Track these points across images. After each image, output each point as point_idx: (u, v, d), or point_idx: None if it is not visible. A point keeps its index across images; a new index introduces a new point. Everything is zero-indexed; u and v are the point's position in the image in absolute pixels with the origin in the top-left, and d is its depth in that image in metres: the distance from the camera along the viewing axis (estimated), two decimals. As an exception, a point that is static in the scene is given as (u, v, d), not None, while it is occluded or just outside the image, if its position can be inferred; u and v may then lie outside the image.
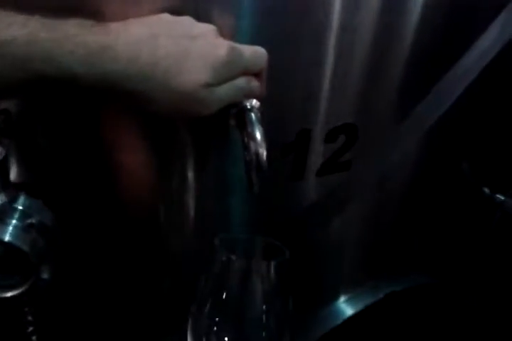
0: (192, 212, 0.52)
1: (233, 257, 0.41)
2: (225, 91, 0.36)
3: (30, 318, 0.51)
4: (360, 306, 0.69)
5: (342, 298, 0.71)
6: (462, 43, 0.56)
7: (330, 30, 0.45)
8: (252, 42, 0.39)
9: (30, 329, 0.52)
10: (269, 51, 0.39)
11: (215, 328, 0.42)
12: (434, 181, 0.69)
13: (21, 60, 0.31)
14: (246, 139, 0.40)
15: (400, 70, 0.54)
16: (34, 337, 0.53)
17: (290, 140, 0.50)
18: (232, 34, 0.39)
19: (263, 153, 0.39)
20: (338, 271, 0.70)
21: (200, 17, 0.37)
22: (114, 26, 0.34)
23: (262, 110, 0.41)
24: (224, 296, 0.41)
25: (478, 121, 0.67)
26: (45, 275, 0.44)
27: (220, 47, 0.35)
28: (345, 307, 0.70)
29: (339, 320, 0.70)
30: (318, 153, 0.53)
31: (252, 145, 0.39)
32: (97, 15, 0.35)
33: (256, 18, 0.41)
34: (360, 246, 0.69)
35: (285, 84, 0.47)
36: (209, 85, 0.35)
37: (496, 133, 0.70)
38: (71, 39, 0.32)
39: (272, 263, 0.42)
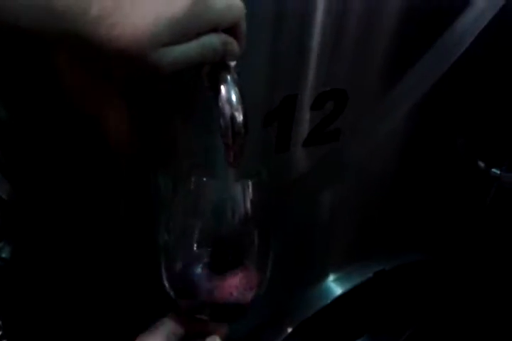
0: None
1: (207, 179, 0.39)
2: (185, 50, 0.31)
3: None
4: (349, 285, 0.66)
5: (331, 277, 0.69)
6: (454, 10, 0.52)
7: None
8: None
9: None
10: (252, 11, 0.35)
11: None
12: (428, 155, 0.66)
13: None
14: (220, 102, 0.35)
15: (390, 37, 0.50)
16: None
17: (274, 106, 0.46)
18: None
19: (239, 116, 0.35)
20: (326, 249, 0.67)
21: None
22: None
23: (240, 71, 0.36)
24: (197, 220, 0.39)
25: (473, 94, 0.63)
26: (3, 254, 0.40)
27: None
28: (335, 287, 0.68)
29: (329, 299, 0.67)
30: (304, 122, 0.49)
31: (226, 108, 0.35)
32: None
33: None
34: (349, 223, 0.66)
35: (269, 43, 0.43)
36: (162, 44, 0.30)
37: (492, 107, 0.67)
38: None
39: (248, 183, 0.39)
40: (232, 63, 0.36)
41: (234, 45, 0.35)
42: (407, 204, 0.70)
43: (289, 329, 0.66)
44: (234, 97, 0.35)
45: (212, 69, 0.35)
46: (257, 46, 0.41)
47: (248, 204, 0.40)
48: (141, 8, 0.29)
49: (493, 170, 0.72)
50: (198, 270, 0.42)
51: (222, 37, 0.34)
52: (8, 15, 0.27)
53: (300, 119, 0.48)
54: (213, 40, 0.33)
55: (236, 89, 0.35)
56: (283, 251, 0.42)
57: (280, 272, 0.44)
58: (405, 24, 0.49)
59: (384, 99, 0.54)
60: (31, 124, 0.44)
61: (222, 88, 0.35)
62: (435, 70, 0.55)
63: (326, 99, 0.48)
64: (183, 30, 0.31)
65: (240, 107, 0.35)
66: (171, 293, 0.43)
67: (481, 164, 0.73)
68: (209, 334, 0.44)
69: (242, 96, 0.35)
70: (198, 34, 0.32)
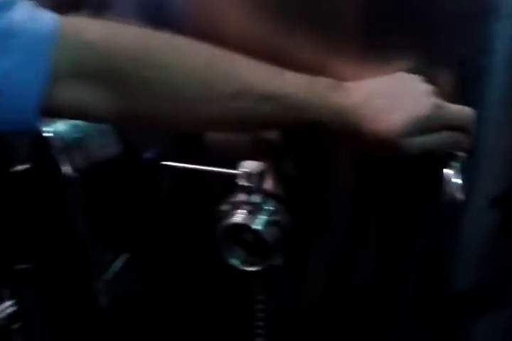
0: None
1: None
2: (425, 141, 0.46)
3: (259, 298, 0.67)
4: None
5: None
6: None
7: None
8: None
9: (259, 307, 0.68)
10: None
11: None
12: None
13: (290, 107, 0.46)
14: (444, 184, 0.48)
15: None
16: (260, 315, 0.68)
17: (500, 193, 0.55)
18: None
19: (461, 196, 0.47)
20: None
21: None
22: (351, 87, 0.48)
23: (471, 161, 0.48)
24: None
25: None
26: (276, 262, 0.59)
27: (426, 105, 0.45)
28: None
29: None
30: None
31: (449, 188, 0.47)
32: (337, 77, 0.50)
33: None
34: None
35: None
36: (404, 134, 0.45)
37: None
38: (322, 98, 0.47)
39: None
40: (461, 154, 0.48)
41: (463, 142, 0.47)
42: None
43: None
44: (457, 181, 0.47)
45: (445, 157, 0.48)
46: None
47: None
48: (396, 111, 0.45)
49: None
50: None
51: (454, 135, 0.47)
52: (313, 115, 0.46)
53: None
54: (447, 136, 0.47)
55: (459, 175, 0.47)
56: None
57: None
58: None
59: None
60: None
61: (449, 172, 0.47)
62: None
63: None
64: (425, 127, 0.46)
65: (459, 190, 0.47)
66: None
67: None
68: None
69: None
70: (436, 130, 0.46)
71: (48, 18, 0.41)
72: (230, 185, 0.59)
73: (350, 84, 0.49)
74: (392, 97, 0.47)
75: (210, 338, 0.76)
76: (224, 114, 0.47)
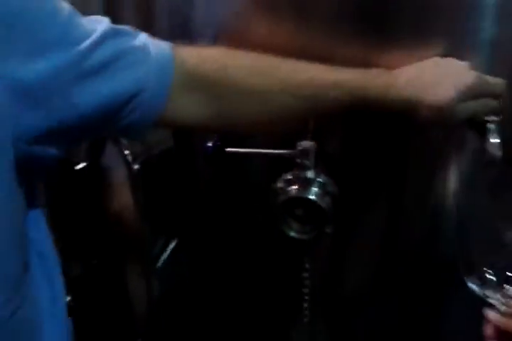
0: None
1: None
2: (469, 106, 0.54)
3: (307, 266, 0.74)
4: None
5: None
6: None
7: None
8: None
9: (305, 275, 0.74)
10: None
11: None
12: None
13: (352, 90, 0.55)
14: (485, 144, 0.56)
15: None
16: (307, 282, 0.75)
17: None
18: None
19: (497, 153, 0.55)
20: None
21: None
22: (397, 71, 0.57)
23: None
24: None
25: None
26: (328, 230, 0.66)
27: (469, 77, 0.54)
28: None
29: None
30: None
31: (489, 148, 0.56)
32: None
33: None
34: None
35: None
36: (456, 100, 0.53)
37: None
38: (374, 80, 0.55)
39: None
40: (494, 118, 0.56)
41: (497, 107, 0.56)
42: None
43: None
44: (493, 140, 0.55)
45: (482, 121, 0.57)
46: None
47: None
48: (443, 84, 0.54)
49: None
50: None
51: (490, 101, 0.56)
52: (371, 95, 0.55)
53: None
54: (485, 102, 0.55)
55: (496, 135, 0.55)
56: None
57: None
58: None
59: None
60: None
61: (487, 134, 0.56)
62: None
63: None
64: (469, 94, 0.54)
65: (498, 148, 0.55)
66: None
67: None
68: None
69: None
70: (476, 97, 0.55)
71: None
72: (279, 167, 0.66)
73: (395, 70, 0.57)
74: (436, 74, 0.56)
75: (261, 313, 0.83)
76: (295, 102, 0.55)
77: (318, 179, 0.65)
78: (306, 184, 0.65)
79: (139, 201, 0.73)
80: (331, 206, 0.65)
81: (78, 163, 0.71)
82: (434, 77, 0.55)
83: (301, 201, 0.65)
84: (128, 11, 0.73)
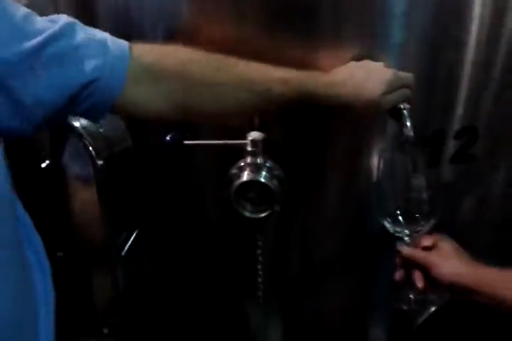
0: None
1: None
2: (391, 97, 0.67)
3: (260, 243, 0.84)
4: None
5: None
6: None
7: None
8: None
9: (259, 251, 0.84)
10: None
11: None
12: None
13: (297, 87, 0.64)
14: (401, 127, 0.69)
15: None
16: (260, 258, 0.85)
17: (428, 135, 0.78)
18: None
19: (411, 135, 0.68)
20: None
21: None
22: (334, 71, 0.68)
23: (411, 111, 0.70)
24: None
25: None
26: (277, 208, 0.77)
27: (388, 73, 0.67)
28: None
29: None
30: (449, 147, 0.80)
31: (404, 130, 0.69)
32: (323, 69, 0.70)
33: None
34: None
35: (428, 94, 0.75)
36: (383, 94, 0.66)
37: None
38: (316, 79, 0.66)
39: None
40: (407, 105, 0.70)
41: (409, 96, 0.69)
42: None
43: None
44: (409, 124, 0.69)
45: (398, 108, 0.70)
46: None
47: None
48: (373, 80, 0.67)
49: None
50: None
51: (406, 90, 0.69)
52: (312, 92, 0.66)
53: (446, 145, 0.79)
54: (402, 92, 0.68)
55: (410, 119, 0.69)
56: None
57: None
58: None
59: None
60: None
61: (403, 119, 0.69)
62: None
63: (464, 133, 0.79)
64: (391, 87, 0.67)
65: (411, 130, 0.68)
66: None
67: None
68: None
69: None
70: (396, 89, 0.68)
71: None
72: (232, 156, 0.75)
73: (331, 72, 0.69)
74: (364, 73, 0.68)
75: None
76: (249, 97, 0.64)
77: (266, 164, 0.75)
78: (257, 169, 0.75)
79: (103, 195, 0.80)
80: (279, 187, 0.76)
81: (44, 161, 0.77)
82: (364, 75, 0.67)
83: (253, 184, 0.75)
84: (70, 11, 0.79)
